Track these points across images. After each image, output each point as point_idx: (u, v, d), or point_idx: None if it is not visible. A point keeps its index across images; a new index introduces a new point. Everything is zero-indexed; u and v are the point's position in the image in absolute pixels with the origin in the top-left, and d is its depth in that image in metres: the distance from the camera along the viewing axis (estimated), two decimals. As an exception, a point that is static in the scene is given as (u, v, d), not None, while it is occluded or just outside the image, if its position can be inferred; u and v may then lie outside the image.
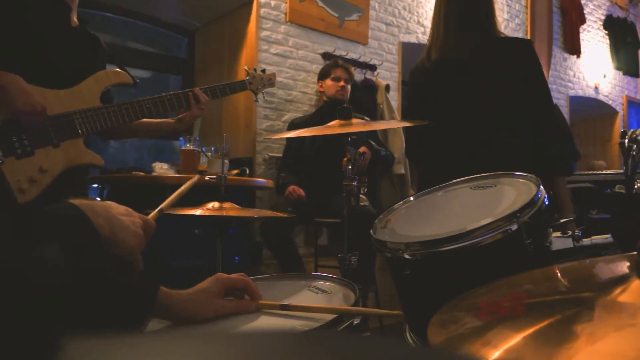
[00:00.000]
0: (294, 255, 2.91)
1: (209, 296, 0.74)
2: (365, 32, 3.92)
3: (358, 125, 1.40)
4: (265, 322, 0.75)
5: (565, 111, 5.87)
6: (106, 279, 0.62)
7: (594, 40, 6.59)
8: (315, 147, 2.97)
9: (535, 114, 1.87)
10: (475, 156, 1.90)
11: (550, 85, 6.09)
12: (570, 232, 1.15)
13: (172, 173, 2.72)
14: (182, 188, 0.98)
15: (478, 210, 1.05)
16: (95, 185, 2.88)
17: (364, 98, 3.69)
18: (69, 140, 1.50)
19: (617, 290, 0.51)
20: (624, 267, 0.58)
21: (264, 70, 1.99)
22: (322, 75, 3.18)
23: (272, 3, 3.45)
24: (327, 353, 0.21)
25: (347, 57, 3.73)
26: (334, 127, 1.38)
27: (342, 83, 3.06)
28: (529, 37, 5.48)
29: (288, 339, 0.22)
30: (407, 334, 1.03)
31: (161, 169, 2.73)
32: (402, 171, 3.62)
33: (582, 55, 6.27)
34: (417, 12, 4.37)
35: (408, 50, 4.18)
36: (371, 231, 1.09)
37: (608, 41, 6.81)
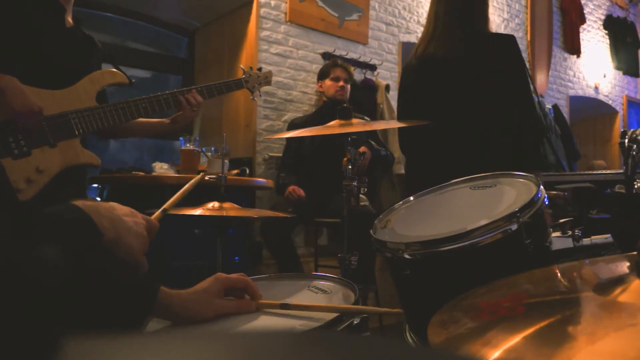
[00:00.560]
0: (293, 255, 2.91)
1: (209, 296, 0.74)
2: (365, 32, 3.92)
3: (358, 125, 1.40)
4: (265, 322, 0.75)
5: (565, 111, 5.87)
6: (106, 279, 0.62)
7: (594, 40, 6.59)
8: (315, 147, 2.97)
9: (515, 109, 1.90)
10: (457, 153, 1.95)
11: (550, 85, 6.07)
12: (570, 232, 1.15)
13: (172, 173, 2.72)
14: (186, 187, 0.98)
15: (478, 210, 1.05)
16: (95, 185, 2.88)
17: (364, 98, 3.68)
18: (65, 141, 1.50)
19: (617, 290, 0.51)
20: (624, 267, 0.58)
21: (260, 69, 1.99)
22: (322, 75, 3.17)
23: (272, 3, 3.45)
24: (327, 353, 0.21)
25: (347, 57, 3.73)
26: (333, 127, 1.38)
27: (341, 83, 3.06)
28: (529, 37, 5.49)
29: (288, 339, 0.22)
30: (407, 334, 1.03)
31: (161, 169, 2.73)
32: (402, 171, 3.61)
33: (582, 55, 6.27)
34: (417, 12, 4.37)
35: (408, 50, 4.17)
36: (371, 231, 1.09)
37: (608, 41, 6.81)
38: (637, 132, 1.05)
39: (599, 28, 6.69)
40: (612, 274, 0.62)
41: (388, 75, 4.07)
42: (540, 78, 5.58)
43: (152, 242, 0.73)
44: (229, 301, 0.77)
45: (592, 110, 6.78)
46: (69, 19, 1.63)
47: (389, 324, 2.72)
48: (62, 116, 1.49)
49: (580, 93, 6.30)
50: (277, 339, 0.22)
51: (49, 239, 0.55)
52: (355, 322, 0.72)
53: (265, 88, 3.40)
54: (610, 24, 6.82)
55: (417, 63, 2.04)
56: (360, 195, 1.43)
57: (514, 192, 1.06)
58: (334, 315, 0.72)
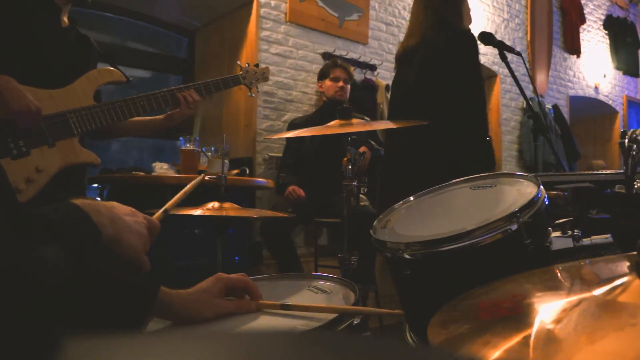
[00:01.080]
0: (293, 255, 2.91)
1: (209, 296, 0.74)
2: (365, 32, 3.92)
3: (358, 125, 1.40)
4: (265, 322, 0.75)
5: (565, 111, 5.87)
6: (106, 278, 0.62)
7: (594, 40, 6.59)
8: (315, 147, 2.97)
9: (462, 104, 2.00)
10: (410, 146, 2.12)
11: (550, 85, 6.09)
12: (570, 232, 1.15)
13: (172, 173, 2.72)
14: (187, 188, 0.97)
15: (478, 210, 1.05)
16: (95, 185, 2.88)
17: (364, 98, 3.68)
18: (64, 140, 1.50)
19: (617, 290, 0.51)
20: (624, 267, 0.58)
21: (257, 65, 1.99)
22: (322, 76, 3.18)
23: (272, 3, 3.45)
24: (327, 353, 0.21)
25: (347, 57, 3.73)
26: (334, 127, 1.38)
27: (340, 83, 3.05)
28: (529, 37, 5.49)
29: (288, 339, 0.22)
30: (407, 334, 1.03)
31: (161, 169, 2.73)
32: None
33: (582, 55, 6.27)
34: (417, 12, 4.37)
35: (408, 50, 4.18)
36: (371, 231, 1.09)
37: (608, 41, 6.81)
38: (637, 132, 1.05)
39: (599, 28, 6.69)
40: (612, 274, 0.62)
41: (388, 75, 4.07)
42: (540, 78, 5.58)
43: (154, 242, 0.73)
44: (229, 301, 0.77)
45: (592, 110, 6.78)
46: (65, 19, 1.63)
47: (389, 324, 2.72)
48: (61, 116, 1.49)
49: (580, 93, 6.30)
50: (277, 339, 0.22)
51: (46, 237, 0.55)
52: (355, 323, 0.72)
53: (266, 88, 3.41)
54: (610, 24, 6.82)
55: (396, 59, 2.26)
56: (360, 195, 1.43)
57: (514, 192, 1.06)
58: (334, 315, 0.72)
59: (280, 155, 3.25)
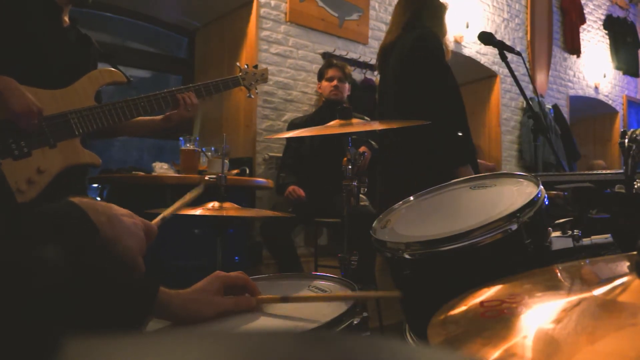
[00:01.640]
0: (293, 255, 2.91)
1: (209, 294, 0.74)
2: (365, 32, 3.92)
3: (358, 125, 1.40)
4: (265, 322, 0.75)
5: (565, 111, 5.87)
6: (106, 278, 0.62)
7: (594, 40, 6.59)
8: (315, 147, 2.97)
9: (432, 103, 2.04)
10: (397, 145, 2.18)
11: (550, 85, 6.09)
12: (570, 232, 1.15)
13: (172, 173, 2.71)
14: (187, 197, 0.97)
15: (478, 210, 1.05)
16: (95, 185, 2.88)
17: (364, 98, 3.68)
18: (65, 141, 1.50)
19: (617, 290, 0.51)
20: (624, 267, 0.58)
21: (256, 66, 1.99)
22: (319, 77, 3.21)
23: (272, 3, 3.45)
24: (327, 353, 0.21)
25: (347, 57, 3.73)
26: (334, 127, 1.38)
27: (334, 82, 3.06)
28: (529, 37, 5.48)
29: (288, 339, 0.22)
30: (407, 334, 1.03)
31: (161, 169, 2.73)
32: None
33: (582, 55, 6.27)
34: (417, 12, 4.37)
35: (408, 50, 4.18)
36: (371, 231, 1.09)
37: (608, 41, 6.81)
38: (637, 132, 1.05)
39: (599, 28, 6.69)
40: (612, 274, 0.62)
41: (388, 75, 4.07)
42: (540, 78, 5.58)
43: (150, 245, 0.73)
44: (228, 298, 0.77)
45: (592, 110, 6.78)
46: (66, 19, 1.63)
47: (389, 324, 2.72)
48: (62, 116, 1.49)
49: (580, 93, 6.30)
50: (277, 339, 0.22)
51: (45, 235, 0.55)
52: (355, 322, 0.72)
53: (265, 88, 3.41)
54: (610, 24, 6.82)
55: (377, 57, 2.36)
56: (360, 195, 1.43)
57: (514, 192, 1.06)
58: (334, 315, 0.72)
59: (280, 155, 3.25)
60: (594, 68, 6.51)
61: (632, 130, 1.07)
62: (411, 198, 1.25)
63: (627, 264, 0.58)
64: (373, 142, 3.00)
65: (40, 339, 0.37)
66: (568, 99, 6.07)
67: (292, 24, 3.52)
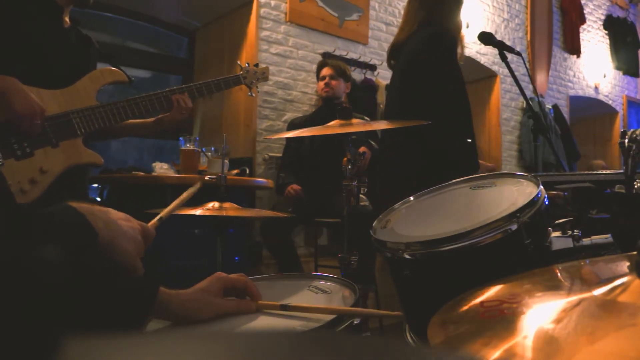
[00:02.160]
0: (293, 255, 2.91)
1: (209, 296, 0.74)
2: (365, 32, 3.92)
3: (358, 125, 1.40)
4: (265, 322, 0.75)
5: (565, 111, 5.87)
6: (106, 279, 0.62)
7: (594, 40, 6.59)
8: (314, 147, 2.97)
9: (441, 105, 2.02)
10: (389, 142, 2.20)
11: (550, 85, 6.08)
12: (570, 232, 1.15)
13: (172, 173, 2.71)
14: (184, 196, 0.97)
15: (478, 210, 1.05)
16: (95, 185, 2.88)
17: (364, 98, 3.68)
18: (67, 140, 1.50)
19: (617, 290, 0.51)
20: (624, 267, 0.58)
21: (257, 65, 1.99)
22: (316, 77, 3.23)
23: (272, 3, 3.45)
24: (327, 353, 0.21)
25: (347, 57, 3.73)
26: (333, 127, 1.38)
27: (326, 80, 3.07)
28: (529, 37, 5.48)
29: (288, 339, 0.22)
30: (407, 334, 1.03)
31: (161, 169, 2.73)
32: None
33: (582, 55, 6.27)
34: (417, 12, 4.37)
35: (408, 50, 4.18)
36: (371, 231, 1.09)
37: (608, 41, 6.81)
38: (637, 132, 1.05)
39: (599, 28, 6.69)
40: (612, 274, 0.62)
41: (388, 75, 4.04)
42: (540, 78, 5.58)
43: (148, 248, 0.73)
44: (229, 301, 0.77)
45: (592, 110, 6.78)
46: (67, 19, 1.63)
47: (389, 324, 2.72)
48: (64, 116, 1.50)
49: (580, 93, 6.30)
50: (277, 339, 0.22)
51: (46, 237, 0.55)
52: (355, 322, 0.72)
53: (266, 88, 3.41)
54: (610, 24, 6.82)
55: (387, 55, 2.32)
56: (360, 195, 1.43)
57: (514, 192, 1.06)
58: (334, 315, 0.72)
59: (280, 155, 3.25)
60: (594, 68, 6.51)
61: (632, 130, 1.07)
62: (411, 198, 1.25)
63: (627, 264, 0.58)
64: (373, 142, 3.00)
65: (40, 339, 0.37)
66: (568, 99, 6.07)
67: (292, 24, 3.52)
